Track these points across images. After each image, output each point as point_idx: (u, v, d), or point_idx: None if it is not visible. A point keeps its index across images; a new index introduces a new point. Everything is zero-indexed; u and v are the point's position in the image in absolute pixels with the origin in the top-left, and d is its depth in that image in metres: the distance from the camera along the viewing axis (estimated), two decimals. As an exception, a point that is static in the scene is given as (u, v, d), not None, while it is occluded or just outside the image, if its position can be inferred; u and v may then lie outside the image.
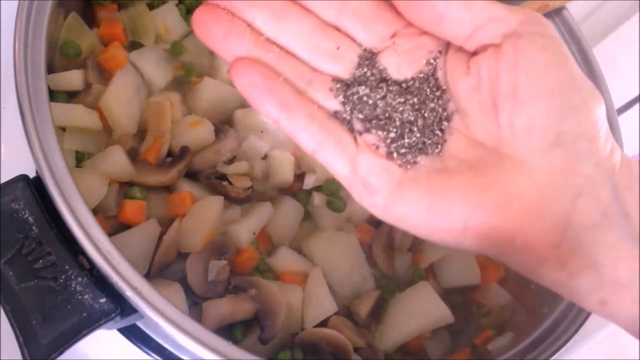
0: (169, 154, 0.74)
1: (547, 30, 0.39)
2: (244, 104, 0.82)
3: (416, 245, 0.84)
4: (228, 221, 0.73)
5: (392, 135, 0.40)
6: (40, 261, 0.52)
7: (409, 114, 0.41)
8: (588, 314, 0.66)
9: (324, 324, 0.72)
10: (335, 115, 0.41)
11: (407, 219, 0.39)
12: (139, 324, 0.65)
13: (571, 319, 0.66)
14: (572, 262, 0.38)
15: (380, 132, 0.41)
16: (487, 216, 0.37)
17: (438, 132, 0.40)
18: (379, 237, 0.81)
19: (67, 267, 0.52)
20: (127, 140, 0.72)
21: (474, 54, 0.40)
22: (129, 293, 0.51)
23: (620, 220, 0.38)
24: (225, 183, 0.74)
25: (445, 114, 0.41)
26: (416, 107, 0.41)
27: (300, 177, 0.78)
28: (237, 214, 0.74)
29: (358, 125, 0.41)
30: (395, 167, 0.40)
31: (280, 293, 0.69)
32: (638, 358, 0.90)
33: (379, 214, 0.40)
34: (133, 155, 0.72)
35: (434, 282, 0.81)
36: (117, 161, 0.69)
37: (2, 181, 0.55)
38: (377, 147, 0.41)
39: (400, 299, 0.77)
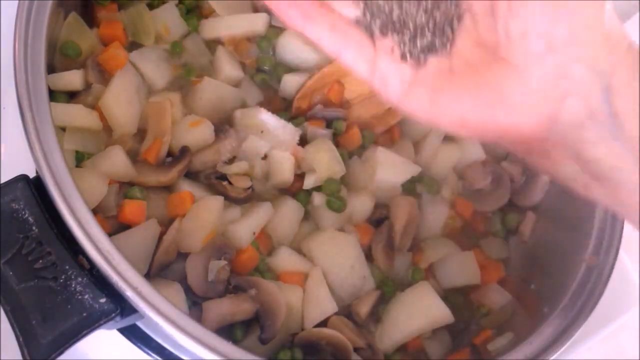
0: (169, 154, 0.74)
1: None
2: (244, 104, 0.82)
3: (416, 245, 0.84)
4: (228, 221, 0.73)
5: (407, 38, 0.45)
6: (40, 261, 0.52)
7: (422, 18, 0.45)
8: (588, 315, 0.66)
9: (324, 324, 0.72)
10: (355, 22, 0.45)
11: (415, 111, 0.44)
12: (139, 324, 0.65)
13: (570, 320, 0.66)
14: (557, 154, 0.42)
15: (396, 37, 0.45)
16: (480, 111, 0.42)
17: (449, 31, 0.44)
18: (379, 237, 0.81)
19: (67, 267, 0.52)
20: (127, 140, 0.72)
21: None
22: (129, 293, 0.51)
23: (607, 121, 0.40)
24: (225, 183, 0.74)
25: (456, 14, 0.44)
26: (429, 10, 0.44)
27: (300, 177, 0.78)
28: (237, 214, 0.74)
29: (376, 31, 0.45)
30: (407, 69, 0.45)
31: (280, 293, 0.69)
32: (638, 358, 0.90)
33: (394, 105, 0.45)
34: (133, 155, 0.72)
35: (434, 282, 0.81)
36: (117, 161, 0.69)
37: (2, 181, 0.55)
38: (393, 51, 0.45)
39: (400, 299, 0.77)
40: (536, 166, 0.45)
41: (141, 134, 0.74)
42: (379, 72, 0.45)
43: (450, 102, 0.43)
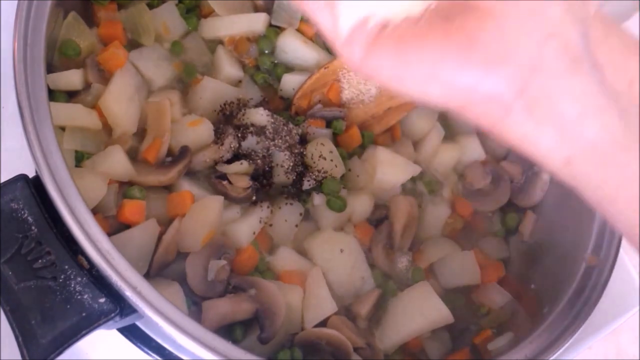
0: (169, 153, 0.73)
1: None
2: (243, 104, 0.82)
3: (416, 245, 0.84)
4: (228, 221, 0.73)
5: None
6: (40, 261, 0.52)
7: None
8: (588, 315, 0.66)
9: (323, 324, 0.72)
10: None
11: (379, 69, 0.39)
12: (139, 324, 0.64)
13: (571, 320, 0.66)
14: (538, 109, 0.37)
15: None
16: (451, 59, 0.37)
17: None
18: (379, 237, 0.80)
19: (66, 266, 0.52)
20: (126, 140, 0.72)
21: None
22: (128, 293, 0.51)
23: (590, 71, 0.37)
24: (225, 182, 0.73)
25: None
26: None
27: (300, 177, 0.78)
28: (237, 213, 0.74)
29: None
30: (371, 25, 0.40)
31: (280, 293, 0.69)
32: (638, 358, 0.90)
33: (356, 65, 0.40)
34: (133, 154, 0.72)
35: (434, 282, 0.81)
36: (116, 161, 0.69)
37: (2, 181, 0.54)
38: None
39: (400, 299, 0.77)
40: (514, 136, 0.39)
41: (141, 133, 0.74)
42: (342, 25, 0.40)
43: (418, 52, 0.38)
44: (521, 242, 0.87)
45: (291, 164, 0.76)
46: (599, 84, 0.37)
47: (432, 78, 0.38)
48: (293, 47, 0.86)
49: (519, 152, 0.40)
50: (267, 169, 0.76)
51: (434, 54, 0.38)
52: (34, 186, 0.54)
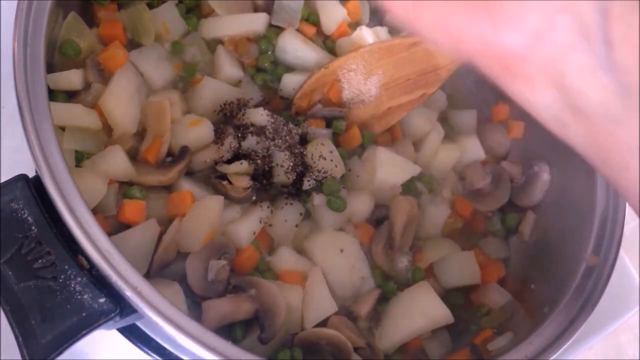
0: (169, 153, 0.74)
1: None
2: (244, 103, 0.82)
3: (416, 245, 0.84)
4: (228, 221, 0.73)
5: None
6: (40, 261, 0.52)
7: None
8: (588, 315, 0.66)
9: (323, 324, 0.72)
10: None
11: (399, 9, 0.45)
12: (139, 324, 0.64)
13: (570, 320, 0.66)
14: (540, 77, 0.40)
15: None
16: (464, 18, 0.40)
17: None
18: (379, 237, 0.80)
19: (66, 266, 0.52)
20: (127, 140, 0.72)
21: None
22: (128, 293, 0.51)
23: (600, 48, 0.38)
24: (225, 182, 0.73)
25: None
26: None
27: (300, 177, 0.78)
28: (237, 213, 0.74)
29: None
30: None
31: (280, 293, 0.69)
32: (638, 358, 0.90)
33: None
34: (133, 154, 0.72)
35: (434, 282, 0.81)
36: (116, 161, 0.69)
37: (2, 181, 0.54)
38: None
39: (400, 299, 0.77)
40: (512, 91, 0.42)
41: (141, 133, 0.74)
42: None
43: (436, 5, 0.41)
44: (521, 242, 0.87)
45: (291, 164, 0.76)
46: (604, 61, 0.38)
47: (446, 28, 0.41)
48: (293, 47, 0.86)
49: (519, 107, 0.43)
50: (267, 169, 0.76)
51: (452, 6, 0.41)
52: (34, 186, 0.54)
